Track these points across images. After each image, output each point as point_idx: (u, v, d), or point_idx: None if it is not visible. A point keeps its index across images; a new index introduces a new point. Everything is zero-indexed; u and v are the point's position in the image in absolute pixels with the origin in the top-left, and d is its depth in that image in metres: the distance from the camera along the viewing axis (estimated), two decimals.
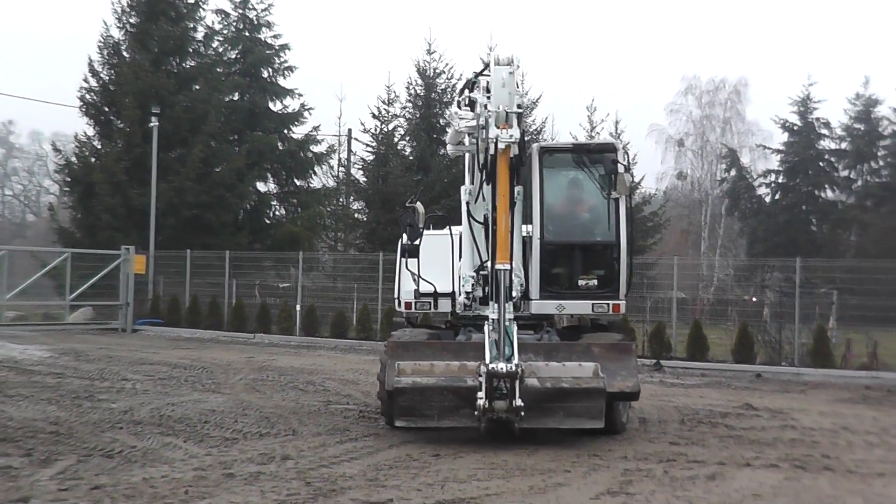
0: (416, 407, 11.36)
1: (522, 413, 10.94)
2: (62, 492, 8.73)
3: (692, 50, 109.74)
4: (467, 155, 13.69)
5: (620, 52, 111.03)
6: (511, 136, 11.52)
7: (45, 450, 10.75)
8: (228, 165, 38.81)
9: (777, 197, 54.97)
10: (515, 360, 11.09)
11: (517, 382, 10.91)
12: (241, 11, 43.46)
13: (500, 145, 11.51)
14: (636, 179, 50.13)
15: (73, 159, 40.12)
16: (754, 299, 28.70)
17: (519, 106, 11.85)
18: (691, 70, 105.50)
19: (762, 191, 56.08)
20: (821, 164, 54.62)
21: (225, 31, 43.32)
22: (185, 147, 38.35)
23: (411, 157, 39.78)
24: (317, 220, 42.88)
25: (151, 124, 35.56)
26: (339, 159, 46.55)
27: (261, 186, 42.73)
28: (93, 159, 39.21)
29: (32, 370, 19.19)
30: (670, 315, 26.53)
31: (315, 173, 44.73)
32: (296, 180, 43.77)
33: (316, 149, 43.63)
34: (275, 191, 43.83)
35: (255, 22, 43.52)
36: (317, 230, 42.91)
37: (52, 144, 50.29)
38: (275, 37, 43.58)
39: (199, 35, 41.79)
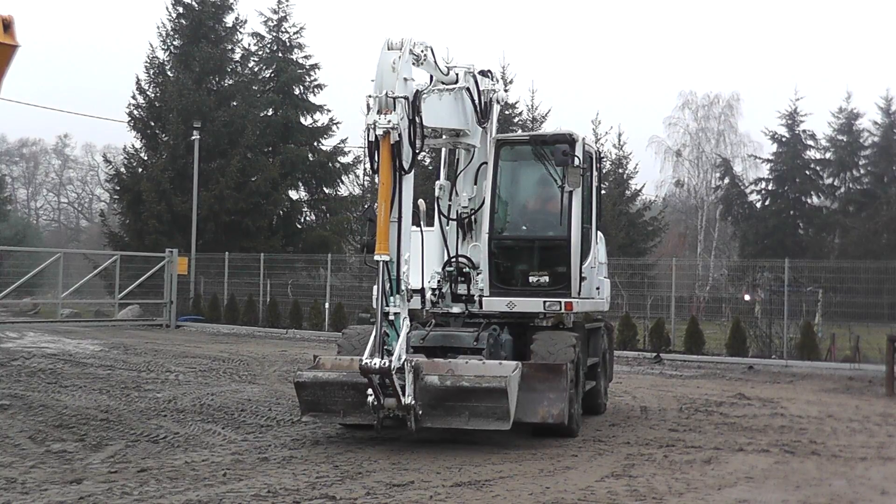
0: (319, 401, 10.60)
1: (419, 411, 9.93)
2: (112, 474, 8.74)
3: (689, 68, 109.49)
4: (444, 149, 12.93)
5: (623, 71, 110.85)
6: (389, 121, 10.00)
7: (97, 435, 10.78)
8: (264, 175, 38.88)
9: (767, 203, 54.83)
10: (398, 356, 9.69)
11: (395, 378, 9.62)
12: (275, 34, 43.52)
13: (379, 131, 10.04)
14: (638, 187, 50.43)
15: (123, 170, 40.41)
16: (747, 297, 28.57)
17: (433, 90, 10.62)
18: (688, 86, 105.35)
19: (753, 197, 56.05)
20: (807, 172, 54.48)
21: (260, 53, 43.37)
22: (224, 158, 38.47)
23: (430, 168, 39.74)
24: (344, 225, 42.92)
25: (193, 137, 35.74)
26: (365, 169, 46.56)
27: (293, 194, 42.78)
28: (140, 169, 39.53)
29: (85, 363, 19.24)
30: (669, 312, 26.45)
31: (342, 182, 45.00)
32: (325, 188, 43.79)
33: (343, 160, 43.74)
34: (306, 198, 43.87)
35: (288, 44, 43.56)
36: (344, 234, 42.94)
37: (103, 156, 50.82)
38: (305, 57, 43.65)
39: (237, 56, 42.06)
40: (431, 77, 11.73)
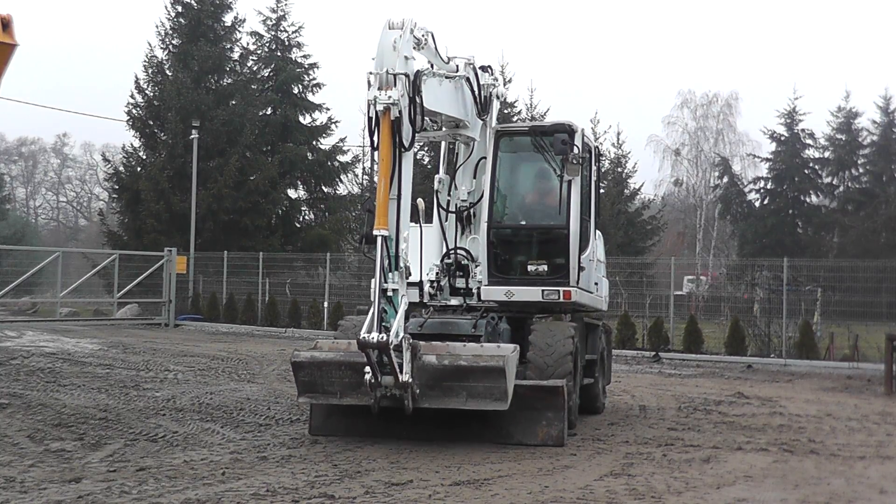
0: (316, 382, 10.40)
1: (416, 390, 9.81)
2: (111, 473, 8.72)
3: (688, 67, 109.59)
4: (443, 143, 12.94)
5: (622, 70, 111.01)
6: (389, 97, 9.99)
7: (96, 434, 10.76)
8: (262, 174, 38.88)
9: (766, 202, 54.90)
10: (396, 332, 9.63)
11: (393, 355, 9.51)
12: (273, 33, 43.55)
13: (379, 107, 10.03)
14: (636, 186, 50.41)
15: (121, 168, 40.46)
16: (746, 295, 28.58)
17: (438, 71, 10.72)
18: (687, 85, 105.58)
19: (752, 196, 56.15)
20: (806, 171, 54.55)
21: (259, 52, 43.39)
22: (223, 157, 38.46)
23: (429, 167, 39.75)
24: (343, 224, 42.93)
25: (192, 136, 35.75)
26: (364, 168, 46.60)
27: (292, 193, 42.78)
28: (139, 168, 39.56)
29: (84, 362, 19.22)
30: (668, 311, 26.45)
31: (341, 181, 45.01)
32: (324, 187, 43.81)
33: (342, 158, 43.81)
34: (304, 197, 43.89)
35: (287, 43, 43.58)
36: (343, 233, 42.95)
37: (102, 155, 50.80)
38: (304, 56, 43.69)
39: (236, 55, 42.09)
40: (432, 65, 11.72)
